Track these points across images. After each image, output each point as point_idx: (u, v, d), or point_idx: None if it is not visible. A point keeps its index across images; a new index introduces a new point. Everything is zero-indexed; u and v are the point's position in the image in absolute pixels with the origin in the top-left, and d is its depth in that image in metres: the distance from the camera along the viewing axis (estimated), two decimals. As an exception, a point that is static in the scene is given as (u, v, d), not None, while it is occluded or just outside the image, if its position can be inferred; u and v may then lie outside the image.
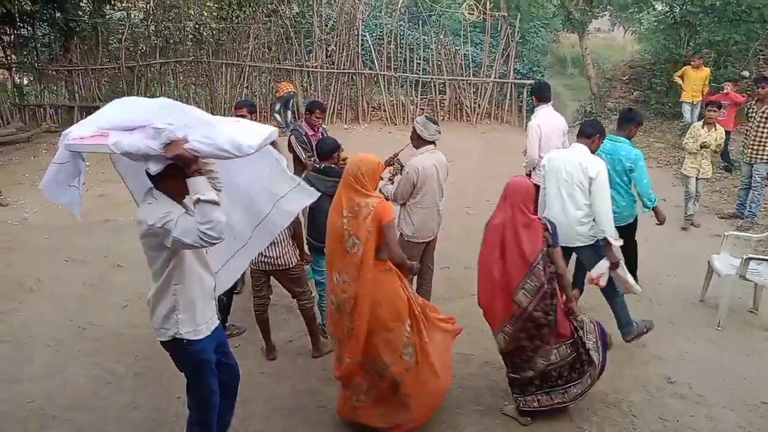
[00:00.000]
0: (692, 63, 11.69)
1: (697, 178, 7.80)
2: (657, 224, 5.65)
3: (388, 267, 3.89)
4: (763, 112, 7.69)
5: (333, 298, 3.94)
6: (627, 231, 5.43)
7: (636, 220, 5.66)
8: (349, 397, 4.06)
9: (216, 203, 2.88)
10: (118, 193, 8.79)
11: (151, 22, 14.10)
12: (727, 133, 8.94)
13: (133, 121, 3.02)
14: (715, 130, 7.68)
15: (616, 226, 4.82)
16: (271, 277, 4.81)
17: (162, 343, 3.29)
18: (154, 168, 2.97)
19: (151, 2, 14.02)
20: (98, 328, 5.39)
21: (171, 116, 2.99)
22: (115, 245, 7.09)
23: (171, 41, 14.02)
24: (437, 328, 4.10)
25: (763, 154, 7.72)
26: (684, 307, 5.95)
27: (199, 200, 2.85)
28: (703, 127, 7.72)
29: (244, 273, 5.76)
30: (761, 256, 5.94)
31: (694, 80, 11.42)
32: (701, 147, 7.59)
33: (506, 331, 4.02)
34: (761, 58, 14.24)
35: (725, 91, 9.81)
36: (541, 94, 6.56)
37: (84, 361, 4.95)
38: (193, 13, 13.94)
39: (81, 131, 3.02)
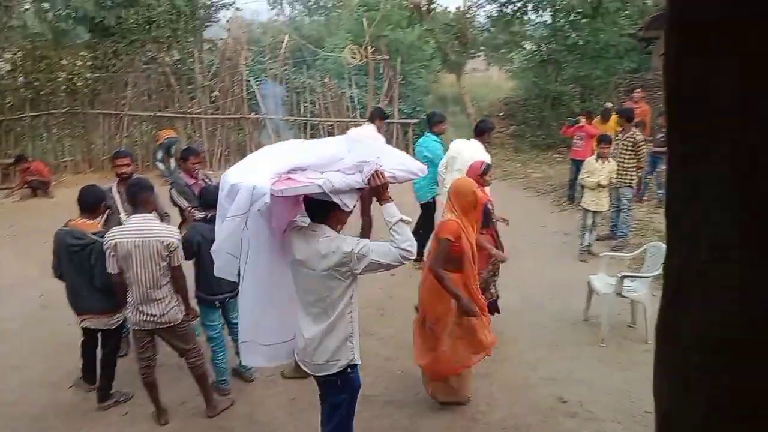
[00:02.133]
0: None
1: (594, 212, 8.16)
2: None
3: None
4: (626, 140, 8.38)
5: None
6: (426, 208, 7.39)
7: (435, 201, 7.29)
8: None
9: (409, 222, 3.24)
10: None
11: (19, 73, 13.32)
12: (581, 161, 9.15)
13: (322, 159, 3.17)
14: (608, 162, 8.06)
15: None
16: (156, 336, 4.56)
17: (325, 378, 3.39)
18: (351, 202, 3.22)
19: (19, 53, 13.26)
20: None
21: (355, 150, 3.25)
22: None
23: (42, 93, 13.29)
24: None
25: (625, 179, 8.36)
26: (569, 327, 6.25)
27: (400, 221, 3.15)
28: (597, 161, 8.11)
29: (128, 334, 5.49)
30: (634, 274, 6.36)
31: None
32: (598, 186, 8.00)
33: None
34: (621, 90, 15.57)
35: (580, 124, 10.41)
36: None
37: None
38: (65, 63, 13.32)
39: (261, 180, 3.00)
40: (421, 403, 4.87)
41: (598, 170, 8.01)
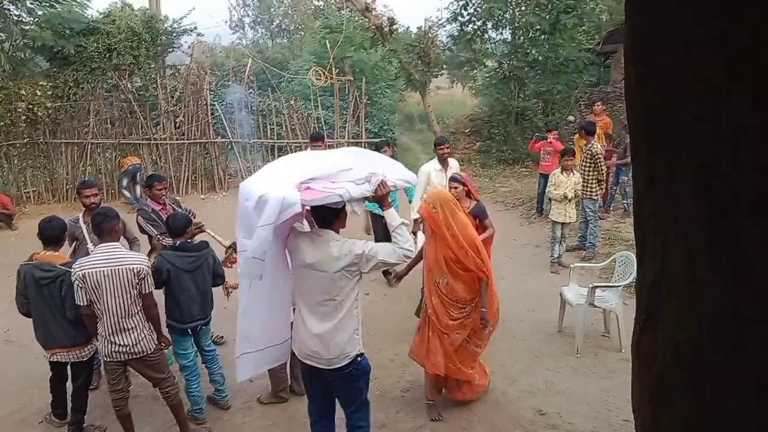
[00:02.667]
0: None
1: (563, 224, 8.27)
2: None
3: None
4: (584, 154, 8.57)
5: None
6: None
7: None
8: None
9: (408, 225, 3.64)
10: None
11: (-24, 104, 13.02)
12: (549, 175, 9.20)
13: (332, 170, 3.52)
14: (573, 175, 8.19)
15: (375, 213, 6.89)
16: (129, 367, 4.45)
17: (337, 371, 3.61)
18: (359, 209, 3.71)
19: (-25, 85, 12.98)
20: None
21: (361, 162, 3.66)
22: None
23: (1, 124, 13.00)
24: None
25: (587, 191, 8.52)
26: (544, 339, 6.29)
27: (402, 224, 3.55)
28: (562, 173, 8.23)
29: (100, 366, 5.34)
30: (605, 284, 6.45)
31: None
32: (564, 198, 8.10)
33: None
34: (582, 104, 15.89)
35: (549, 139, 10.46)
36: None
37: None
38: (24, 93, 13.05)
39: (287, 191, 3.27)
40: (400, 422, 4.84)
41: (564, 183, 8.14)
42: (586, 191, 8.47)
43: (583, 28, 15.93)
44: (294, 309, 3.87)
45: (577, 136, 10.48)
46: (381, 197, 3.55)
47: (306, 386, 4.07)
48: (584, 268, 7.06)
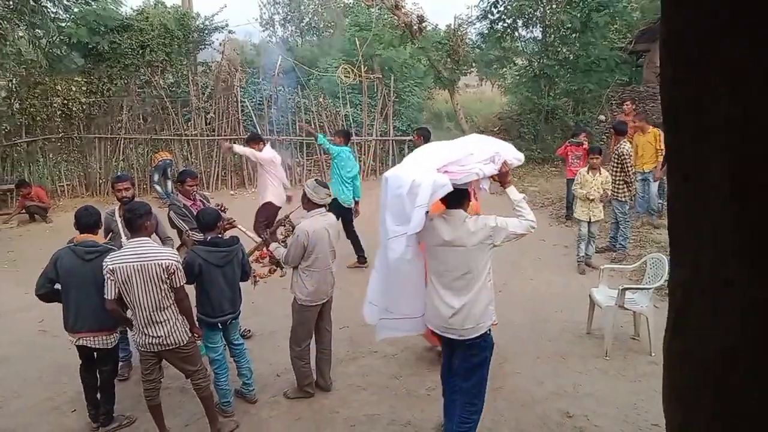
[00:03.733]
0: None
1: (589, 222, 8.17)
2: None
3: None
4: (617, 157, 8.42)
5: None
6: (348, 211, 8.20)
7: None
8: None
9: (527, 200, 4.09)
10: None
11: (14, 100, 13.33)
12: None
13: (460, 155, 3.89)
14: (600, 174, 8.09)
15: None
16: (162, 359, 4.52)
17: (468, 341, 3.94)
18: (487, 186, 4.11)
19: (14, 80, 13.28)
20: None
21: (485, 146, 4.07)
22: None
23: (38, 119, 13.31)
24: None
25: (617, 194, 8.41)
26: (573, 340, 6.23)
27: (523, 199, 4.00)
28: (588, 172, 8.16)
29: (130, 357, 5.44)
30: (636, 286, 6.37)
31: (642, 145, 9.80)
32: (587, 198, 8.05)
33: None
34: (614, 103, 15.67)
35: (584, 144, 9.79)
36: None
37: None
38: (60, 88, 13.34)
39: (435, 176, 3.72)
40: (427, 422, 4.84)
41: (589, 182, 8.08)
42: (614, 192, 8.37)
43: (615, 26, 15.73)
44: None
45: (638, 133, 9.91)
46: (504, 174, 3.99)
47: (443, 347, 4.42)
48: (614, 270, 6.97)
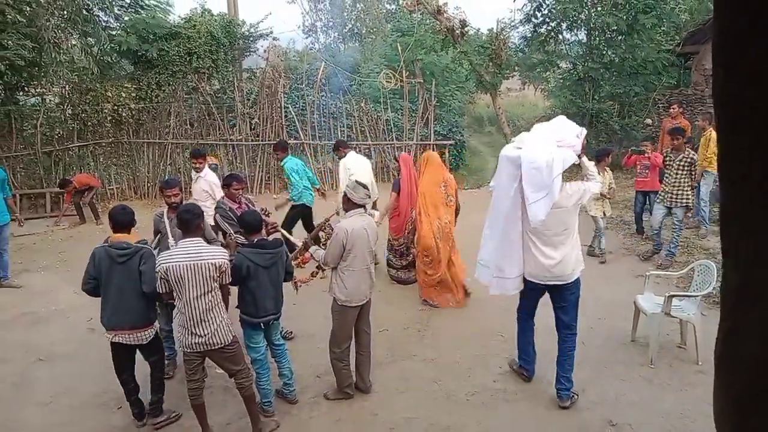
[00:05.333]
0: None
1: (603, 217, 8.71)
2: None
3: None
4: (681, 161, 8.20)
5: (437, 234, 7.13)
6: (304, 207, 8.47)
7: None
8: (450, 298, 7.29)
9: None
10: (35, 284, 8.40)
11: (67, 106, 13.83)
12: (653, 193, 9.04)
13: (557, 135, 4.80)
14: (606, 173, 8.53)
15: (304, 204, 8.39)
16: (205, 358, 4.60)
17: (571, 284, 4.89)
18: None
19: (67, 86, 13.79)
20: (20, 430, 4.99)
21: (569, 124, 4.94)
22: (35, 339, 6.68)
23: (89, 124, 13.77)
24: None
25: (681, 199, 8.23)
26: (616, 348, 6.11)
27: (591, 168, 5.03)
28: (601, 173, 8.11)
29: (175, 356, 5.57)
30: (683, 293, 6.20)
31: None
32: (602, 196, 8.50)
33: None
34: (660, 107, 15.33)
35: (647, 154, 9.40)
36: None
37: (4, 469, 4.57)
38: (111, 95, 13.79)
39: (562, 150, 4.70)
40: (465, 427, 4.81)
41: (605, 182, 8.45)
42: (681, 199, 8.24)
43: (663, 28, 15.37)
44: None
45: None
46: (583, 147, 4.86)
47: (527, 296, 5.22)
48: (660, 276, 6.81)
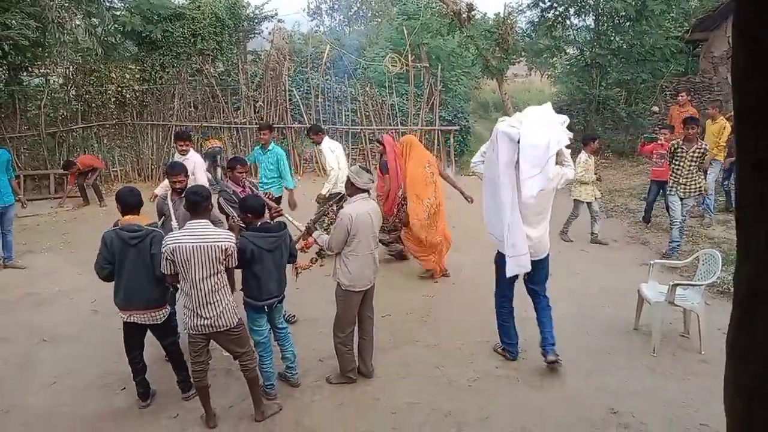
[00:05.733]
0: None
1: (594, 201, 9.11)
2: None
3: None
4: (693, 152, 8.08)
5: (426, 213, 7.34)
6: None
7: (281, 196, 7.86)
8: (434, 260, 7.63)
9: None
10: (39, 265, 8.42)
11: (71, 86, 13.80)
12: (664, 183, 8.93)
13: (551, 120, 5.10)
14: (591, 157, 9.10)
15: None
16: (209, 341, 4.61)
17: (543, 259, 5.35)
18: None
19: (71, 67, 13.73)
20: (23, 411, 5.02)
21: (551, 117, 5.14)
22: (39, 320, 6.71)
23: (93, 105, 13.74)
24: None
25: (694, 190, 8.17)
26: (619, 336, 6.10)
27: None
28: (589, 158, 9.02)
29: (179, 339, 5.57)
30: (687, 282, 6.18)
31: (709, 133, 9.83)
32: (599, 180, 9.18)
33: None
34: (668, 94, 15.22)
35: (660, 141, 9.33)
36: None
37: (7, 449, 4.60)
38: (114, 76, 13.73)
39: (555, 133, 4.98)
40: (467, 413, 4.82)
41: (592, 167, 9.01)
42: (694, 190, 8.20)
43: (671, 15, 15.21)
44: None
45: (709, 121, 9.88)
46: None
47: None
48: (664, 266, 6.78)
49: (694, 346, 5.77)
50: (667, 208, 8.64)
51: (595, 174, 9.10)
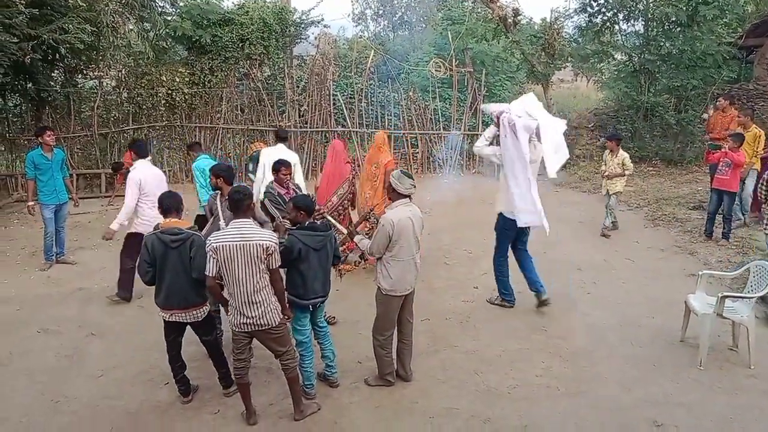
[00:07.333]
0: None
1: (608, 195, 9.62)
2: None
3: None
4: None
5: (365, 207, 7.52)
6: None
7: None
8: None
9: None
10: (90, 261, 8.69)
11: (123, 89, 14.22)
12: (729, 194, 8.83)
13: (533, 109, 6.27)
14: (617, 156, 9.61)
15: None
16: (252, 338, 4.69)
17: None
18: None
19: (123, 70, 14.16)
20: (72, 401, 5.19)
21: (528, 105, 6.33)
22: (89, 314, 6.92)
23: (144, 107, 14.12)
24: None
25: None
26: (665, 348, 5.96)
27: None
28: (608, 155, 9.76)
29: (222, 336, 5.68)
30: (737, 294, 5.99)
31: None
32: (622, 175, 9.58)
33: None
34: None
35: (724, 149, 8.94)
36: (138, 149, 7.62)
37: (57, 437, 4.76)
38: (165, 79, 14.08)
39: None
40: (507, 420, 4.78)
41: (610, 162, 9.66)
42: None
43: (724, 20, 14.79)
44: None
45: (740, 128, 9.69)
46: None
47: (508, 236, 6.67)
48: (713, 276, 6.59)
49: (743, 360, 5.60)
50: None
51: (623, 167, 9.60)
